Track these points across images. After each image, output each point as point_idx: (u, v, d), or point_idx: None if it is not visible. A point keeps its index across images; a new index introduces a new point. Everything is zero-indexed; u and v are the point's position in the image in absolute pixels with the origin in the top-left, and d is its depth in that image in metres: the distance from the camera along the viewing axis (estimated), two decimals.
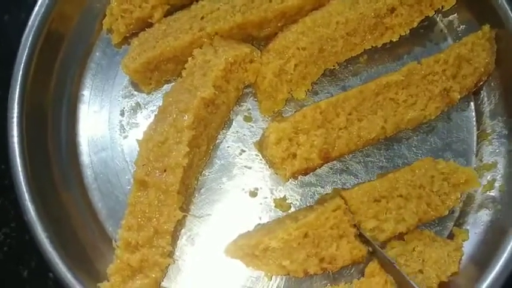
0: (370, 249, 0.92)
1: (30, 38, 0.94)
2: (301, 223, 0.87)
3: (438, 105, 0.97)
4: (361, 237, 0.92)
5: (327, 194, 0.98)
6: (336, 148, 0.94)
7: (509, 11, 0.98)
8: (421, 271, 0.91)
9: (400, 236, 0.93)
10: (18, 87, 0.93)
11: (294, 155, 0.92)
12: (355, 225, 0.91)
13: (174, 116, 0.89)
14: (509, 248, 0.89)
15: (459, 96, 0.98)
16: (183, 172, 0.86)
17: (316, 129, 0.92)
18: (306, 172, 0.95)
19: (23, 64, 0.94)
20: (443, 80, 0.97)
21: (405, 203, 0.92)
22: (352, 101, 0.95)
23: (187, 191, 0.93)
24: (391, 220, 0.91)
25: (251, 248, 0.88)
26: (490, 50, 0.99)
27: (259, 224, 0.96)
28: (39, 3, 0.96)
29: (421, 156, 1.00)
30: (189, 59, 0.94)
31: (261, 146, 0.97)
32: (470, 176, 0.94)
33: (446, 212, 0.94)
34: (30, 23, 0.95)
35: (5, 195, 1.04)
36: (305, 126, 0.92)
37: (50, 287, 1.01)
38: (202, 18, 0.96)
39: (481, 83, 1.01)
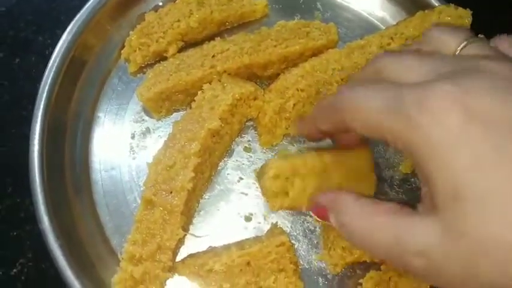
0: None
1: (56, 63, 1.02)
2: (245, 252, 0.94)
3: None
4: None
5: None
6: None
7: None
8: None
9: (377, 267, 1.01)
10: (42, 104, 1.00)
11: (286, 194, 0.93)
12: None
13: (183, 143, 0.96)
14: None
15: None
16: (187, 195, 0.93)
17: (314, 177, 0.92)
18: (292, 209, 1.02)
19: (48, 85, 1.01)
20: None
21: None
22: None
23: (189, 212, 1.00)
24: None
25: (197, 268, 0.95)
26: None
27: (210, 246, 1.02)
28: (66, 32, 1.04)
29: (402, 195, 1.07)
30: (199, 92, 1.02)
31: (259, 175, 1.02)
32: None
33: None
34: (57, 49, 1.03)
35: (22, 227, 1.08)
36: (303, 171, 0.92)
37: None
38: (213, 56, 1.04)
39: None
